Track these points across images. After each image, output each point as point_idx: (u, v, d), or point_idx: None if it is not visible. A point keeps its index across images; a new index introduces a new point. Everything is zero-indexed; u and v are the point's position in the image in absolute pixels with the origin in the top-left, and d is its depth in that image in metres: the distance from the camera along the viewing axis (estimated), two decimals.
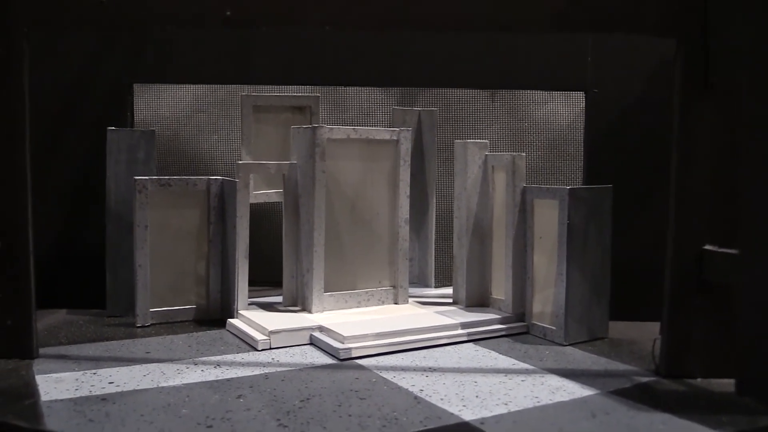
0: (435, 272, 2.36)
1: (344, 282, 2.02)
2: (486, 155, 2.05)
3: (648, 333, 1.94)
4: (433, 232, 2.34)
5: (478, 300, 2.06)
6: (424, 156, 2.34)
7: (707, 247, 1.59)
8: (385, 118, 2.45)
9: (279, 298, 2.09)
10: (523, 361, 1.71)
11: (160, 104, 2.47)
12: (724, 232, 1.58)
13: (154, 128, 2.21)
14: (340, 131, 1.98)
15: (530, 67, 2.20)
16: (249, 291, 2.00)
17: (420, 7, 1.59)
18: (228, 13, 1.58)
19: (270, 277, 2.28)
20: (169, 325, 1.99)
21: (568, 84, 2.21)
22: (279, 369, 1.62)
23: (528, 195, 1.95)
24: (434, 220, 2.34)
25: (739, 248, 1.49)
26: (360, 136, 2.01)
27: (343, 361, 1.69)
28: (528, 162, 2.38)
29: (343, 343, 1.73)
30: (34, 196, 1.66)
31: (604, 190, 1.92)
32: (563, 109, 2.44)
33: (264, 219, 2.45)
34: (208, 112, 2.50)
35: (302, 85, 2.33)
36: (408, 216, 2.09)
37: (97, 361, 1.66)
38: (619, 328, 2.00)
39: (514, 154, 1.97)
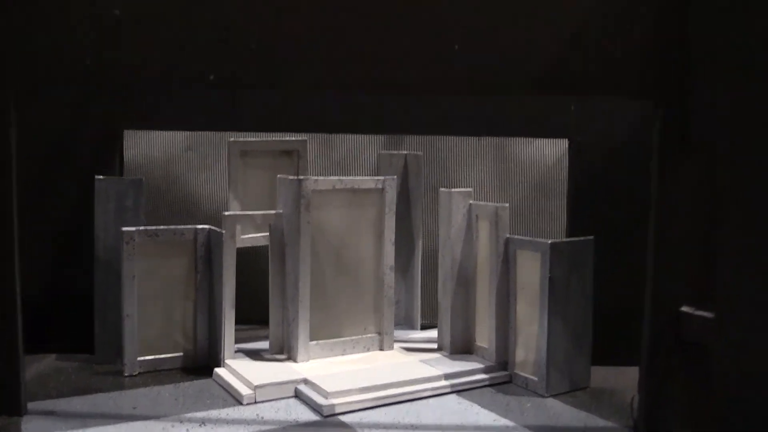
0: (421, 311, 2.38)
1: (330, 330, 2.05)
2: (470, 204, 2.07)
3: (629, 380, 1.96)
4: (420, 273, 2.36)
5: (462, 347, 2.09)
6: (410, 199, 2.36)
7: (684, 308, 1.61)
8: (372, 159, 2.48)
9: (266, 344, 2.11)
10: (505, 416, 1.73)
11: (150, 142, 2.49)
12: (702, 294, 1.61)
13: (142, 176, 2.22)
14: (326, 182, 2.01)
15: (514, 114, 2.22)
16: (236, 329, 2.02)
17: (403, 72, 1.61)
18: (211, 77, 1.61)
19: (257, 314, 2.30)
20: (156, 373, 2.01)
21: (551, 131, 2.23)
22: (263, 427, 1.64)
23: (511, 246, 1.98)
24: (420, 261, 2.36)
25: (716, 311, 1.52)
26: (345, 186, 2.04)
27: (327, 417, 1.71)
28: (514, 201, 2.41)
29: (326, 398, 1.75)
30: (23, 244, 1.68)
31: (585, 243, 1.95)
32: (548, 150, 2.46)
33: (251, 258, 2.47)
34: (198, 150, 2.52)
35: (289, 132, 2.35)
36: (393, 263, 2.11)
37: (85, 419, 1.68)
38: (601, 375, 2.02)
39: (497, 204, 1.99)
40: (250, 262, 2.46)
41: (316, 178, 2.00)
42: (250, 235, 2.28)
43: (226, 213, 2.00)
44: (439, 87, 1.63)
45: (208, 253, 2.06)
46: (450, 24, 1.59)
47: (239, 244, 2.15)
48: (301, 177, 1.98)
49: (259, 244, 2.30)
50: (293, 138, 2.36)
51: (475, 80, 1.61)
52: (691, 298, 1.62)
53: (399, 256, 2.24)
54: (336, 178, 2.04)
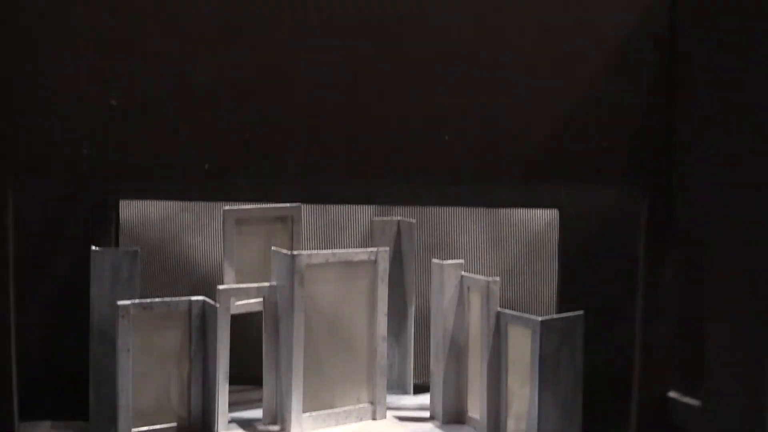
0: (414, 372, 2.40)
1: (323, 401, 2.07)
2: (462, 276, 2.10)
3: None
4: (412, 338, 2.38)
5: (454, 416, 2.11)
6: (403, 264, 2.39)
7: (672, 393, 1.64)
8: (366, 221, 2.51)
9: (259, 412, 2.12)
10: None
11: (145, 203, 2.52)
12: (690, 380, 1.63)
13: (137, 246, 2.24)
14: (319, 256, 2.03)
15: (503, 185, 2.25)
16: (230, 390, 2.04)
17: (392, 161, 1.65)
18: (207, 166, 1.64)
19: (251, 374, 2.31)
20: None
21: (541, 201, 2.26)
22: None
23: (502, 320, 2.00)
24: (413, 326, 2.39)
25: (702, 399, 1.55)
26: (338, 259, 2.06)
27: None
28: (507, 263, 2.44)
29: None
30: (20, 313, 1.71)
31: (575, 318, 1.97)
32: (540, 212, 2.49)
33: (245, 322, 2.49)
34: (192, 211, 2.54)
35: (281, 202, 2.38)
36: (386, 334, 2.14)
37: None
38: None
39: (489, 279, 2.02)
40: (245, 324, 2.48)
41: (309, 252, 2.02)
42: (245, 302, 2.30)
43: (221, 287, 2.03)
44: (429, 176, 1.66)
45: (202, 324, 2.08)
46: (440, 115, 1.63)
47: (234, 311, 2.17)
48: (295, 252, 2.00)
49: (253, 310, 2.32)
50: (287, 205, 2.39)
51: (464, 169, 1.64)
52: (678, 383, 1.65)
53: (392, 320, 2.26)
54: (329, 251, 2.06)
